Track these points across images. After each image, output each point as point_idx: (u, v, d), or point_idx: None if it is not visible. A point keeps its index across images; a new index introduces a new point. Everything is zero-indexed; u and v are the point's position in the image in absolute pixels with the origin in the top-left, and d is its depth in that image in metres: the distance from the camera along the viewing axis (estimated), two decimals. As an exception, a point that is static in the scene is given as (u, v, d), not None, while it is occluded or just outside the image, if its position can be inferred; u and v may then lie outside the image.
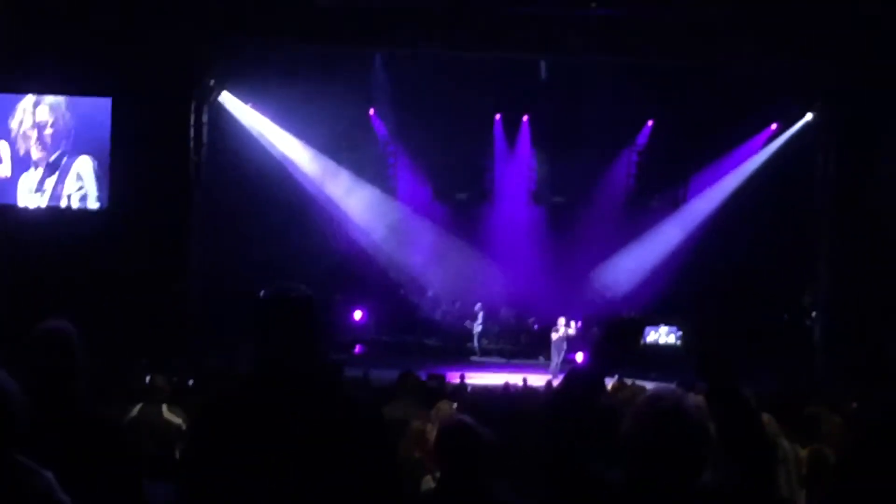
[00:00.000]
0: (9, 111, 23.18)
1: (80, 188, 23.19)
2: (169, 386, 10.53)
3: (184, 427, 9.57)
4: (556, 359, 26.86)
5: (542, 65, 27.74)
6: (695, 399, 3.85)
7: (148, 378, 10.69)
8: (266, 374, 4.30)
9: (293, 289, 4.44)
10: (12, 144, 23.10)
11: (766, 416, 9.53)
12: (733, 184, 28.84)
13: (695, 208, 30.00)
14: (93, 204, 23.28)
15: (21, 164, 23.12)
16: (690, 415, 3.67)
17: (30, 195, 23.10)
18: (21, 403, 3.76)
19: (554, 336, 27.16)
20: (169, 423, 9.91)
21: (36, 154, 23.07)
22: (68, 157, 23.16)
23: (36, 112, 23.15)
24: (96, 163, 23.27)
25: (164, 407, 10.11)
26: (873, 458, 4.53)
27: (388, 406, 10.59)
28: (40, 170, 23.11)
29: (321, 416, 4.16)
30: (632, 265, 30.74)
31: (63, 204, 23.14)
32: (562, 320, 27.44)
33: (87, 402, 4.98)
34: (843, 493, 4.71)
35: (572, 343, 27.09)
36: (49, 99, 23.25)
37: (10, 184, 23.19)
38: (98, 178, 23.32)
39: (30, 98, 23.19)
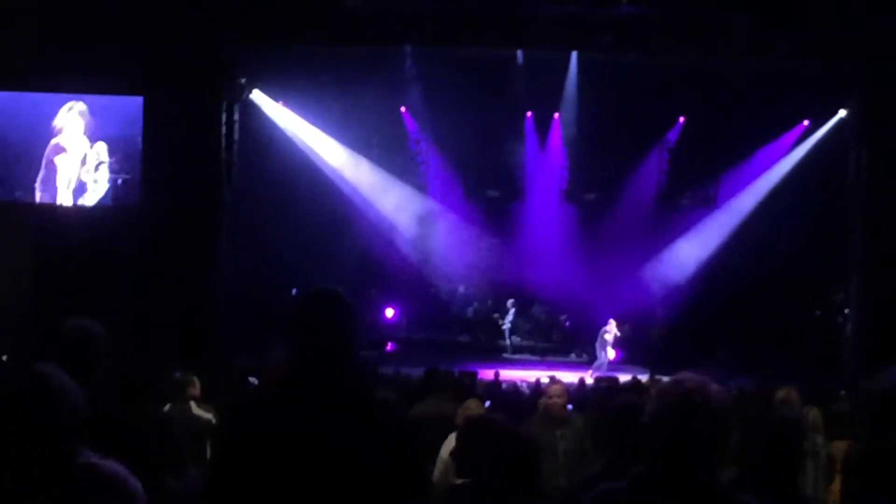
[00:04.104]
0: (54, 111, 23.43)
1: (98, 168, 23.34)
2: (198, 384, 10.55)
3: (214, 422, 9.58)
4: (602, 357, 27.23)
5: (572, 67, 27.75)
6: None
7: (178, 374, 10.72)
8: (298, 373, 4.31)
9: (328, 289, 4.43)
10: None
11: (811, 411, 9.53)
12: (767, 183, 28.75)
13: (730, 208, 29.88)
14: (102, 189, 23.38)
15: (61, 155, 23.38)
16: (713, 397, 3.66)
17: (68, 170, 23.31)
18: (78, 398, 3.77)
19: (608, 337, 27.42)
20: (199, 417, 9.94)
21: (70, 146, 23.28)
22: (89, 146, 23.31)
23: (69, 114, 23.38)
24: (108, 149, 23.37)
25: (193, 403, 10.14)
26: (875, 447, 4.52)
27: (419, 404, 10.60)
28: (72, 158, 23.33)
29: (350, 418, 4.16)
30: (670, 265, 30.70)
31: (84, 178, 23.31)
32: (612, 322, 27.70)
33: (107, 400, 5.01)
34: (877, 490, 4.69)
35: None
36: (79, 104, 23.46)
37: (48, 180, 23.38)
38: (111, 165, 23.46)
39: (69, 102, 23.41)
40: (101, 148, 23.31)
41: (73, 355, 4.86)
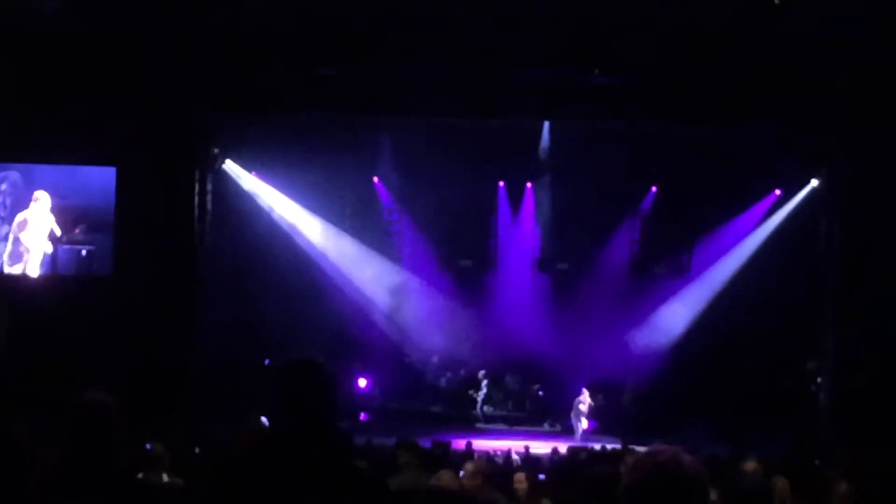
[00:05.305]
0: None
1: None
2: (168, 454, 10.50)
3: (183, 493, 9.52)
4: (577, 427, 27.60)
5: (544, 136, 27.94)
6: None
7: (148, 446, 10.65)
8: (278, 442, 4.32)
9: (312, 361, 4.46)
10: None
11: (780, 481, 9.52)
12: (740, 252, 28.89)
13: (703, 277, 29.94)
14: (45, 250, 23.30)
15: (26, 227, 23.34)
16: (687, 468, 3.66)
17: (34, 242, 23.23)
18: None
19: (582, 407, 27.79)
20: (170, 488, 9.87)
21: (35, 218, 23.25)
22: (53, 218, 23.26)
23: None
24: (72, 220, 23.34)
25: (165, 476, 10.07)
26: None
27: (394, 478, 10.54)
28: (38, 229, 23.28)
29: (329, 487, 4.17)
30: (644, 334, 30.72)
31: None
32: (585, 391, 28.03)
33: (123, 469, 5.15)
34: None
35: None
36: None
37: (15, 252, 23.31)
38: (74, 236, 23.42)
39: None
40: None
41: (88, 427, 5.01)
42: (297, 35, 22.03)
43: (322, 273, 30.02)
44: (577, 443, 24.70)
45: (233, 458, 5.77)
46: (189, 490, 9.61)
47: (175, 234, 23.51)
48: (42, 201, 23.16)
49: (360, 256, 30.50)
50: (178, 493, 9.09)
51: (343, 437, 14.42)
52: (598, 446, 18.70)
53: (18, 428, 4.45)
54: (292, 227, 29.14)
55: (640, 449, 13.03)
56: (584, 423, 28.00)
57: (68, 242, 23.31)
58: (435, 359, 32.14)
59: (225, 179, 26.33)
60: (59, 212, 23.20)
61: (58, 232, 23.14)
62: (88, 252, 23.33)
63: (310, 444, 4.23)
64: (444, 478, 9.22)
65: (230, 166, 26.51)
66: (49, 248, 23.16)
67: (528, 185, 30.42)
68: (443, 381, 31.86)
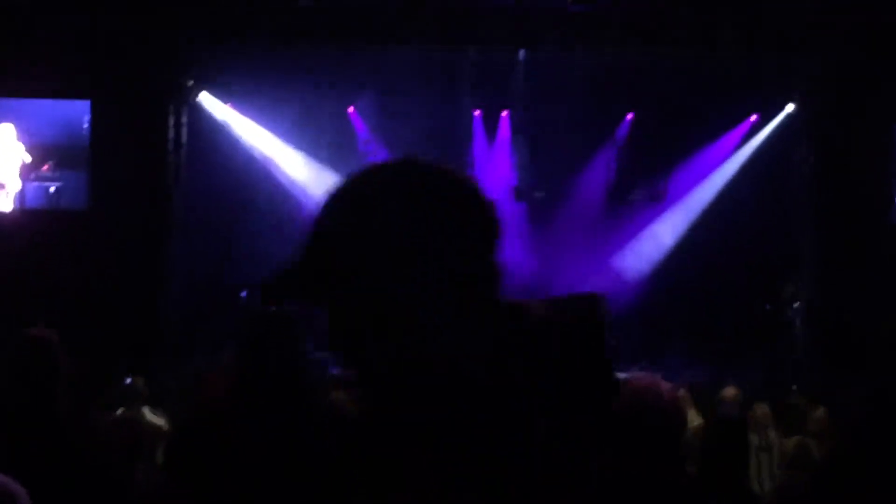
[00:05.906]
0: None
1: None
2: (148, 388, 10.50)
3: (165, 429, 9.53)
4: None
5: (520, 64, 27.74)
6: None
7: (128, 380, 10.65)
8: (249, 387, 4.32)
9: (275, 313, 4.47)
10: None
11: (760, 407, 9.57)
12: (717, 177, 28.83)
13: (680, 203, 29.90)
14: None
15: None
16: (664, 395, 3.66)
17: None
18: None
19: None
20: (151, 424, 9.86)
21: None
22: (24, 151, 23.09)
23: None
24: (40, 157, 23.18)
25: (147, 409, 10.08)
26: (855, 452, 4.52)
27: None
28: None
29: (301, 428, 4.18)
30: (622, 260, 30.69)
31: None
32: None
33: (67, 408, 5.07)
34: (826, 486, 4.69)
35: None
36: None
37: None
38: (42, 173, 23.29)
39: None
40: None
41: (31, 365, 4.93)
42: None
43: (299, 205, 29.92)
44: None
45: (203, 402, 5.77)
46: (160, 430, 9.60)
47: (150, 167, 23.38)
48: (4, 131, 22.93)
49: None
50: (123, 430, 9.06)
51: (310, 380, 14.40)
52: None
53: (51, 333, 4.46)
54: (269, 158, 28.97)
55: (620, 375, 13.12)
56: None
57: (36, 179, 23.19)
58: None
59: (200, 112, 26.14)
60: (27, 150, 23.06)
61: (28, 160, 22.98)
62: (58, 189, 23.22)
63: (280, 388, 4.24)
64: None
65: (205, 98, 26.30)
66: (19, 186, 23.01)
67: (504, 113, 30.25)
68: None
